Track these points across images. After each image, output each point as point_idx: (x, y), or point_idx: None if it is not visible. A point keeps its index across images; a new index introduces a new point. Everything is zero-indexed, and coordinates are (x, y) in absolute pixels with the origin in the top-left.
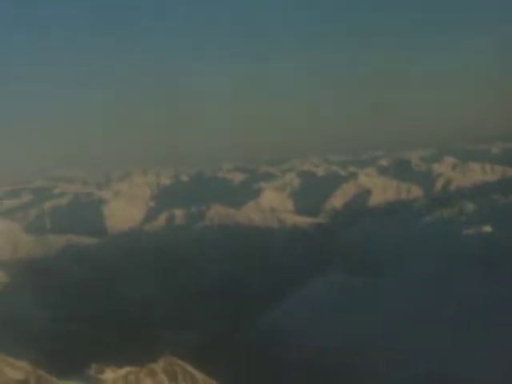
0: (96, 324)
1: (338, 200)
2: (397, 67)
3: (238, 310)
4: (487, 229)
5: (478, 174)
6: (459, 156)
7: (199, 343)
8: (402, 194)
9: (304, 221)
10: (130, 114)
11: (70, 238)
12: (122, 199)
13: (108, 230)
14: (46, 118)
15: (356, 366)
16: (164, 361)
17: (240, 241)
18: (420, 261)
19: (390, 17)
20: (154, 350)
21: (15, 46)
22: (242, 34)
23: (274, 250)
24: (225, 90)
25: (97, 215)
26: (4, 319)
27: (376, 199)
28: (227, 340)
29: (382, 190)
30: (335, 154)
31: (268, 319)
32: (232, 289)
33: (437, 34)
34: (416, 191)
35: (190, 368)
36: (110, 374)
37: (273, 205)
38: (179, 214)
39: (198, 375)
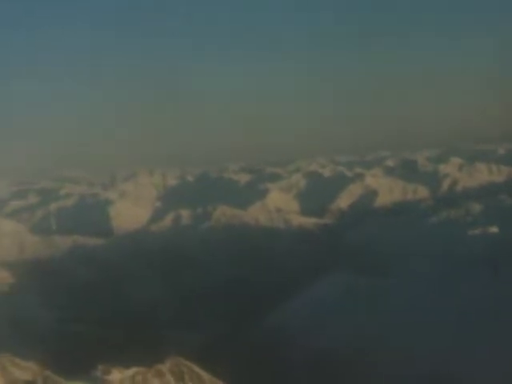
0: (102, 325)
1: (344, 201)
2: (400, 68)
3: (243, 311)
4: (493, 229)
5: (484, 174)
6: (465, 156)
7: (205, 343)
8: (409, 195)
9: (310, 221)
10: (136, 115)
11: (76, 238)
12: (128, 200)
13: (114, 230)
14: (50, 118)
15: (361, 367)
16: (171, 361)
17: (246, 241)
18: (426, 261)
19: (393, 17)
20: (159, 350)
21: (15, 46)
22: (243, 34)
23: (279, 250)
24: (230, 91)
25: (103, 216)
26: (10, 320)
27: (382, 200)
28: (233, 340)
29: (388, 190)
30: (341, 155)
31: (273, 319)
32: (238, 289)
33: (438, 34)
34: (422, 192)
35: (196, 368)
36: (116, 375)
37: (279, 205)
38: (185, 214)
39: (205, 375)
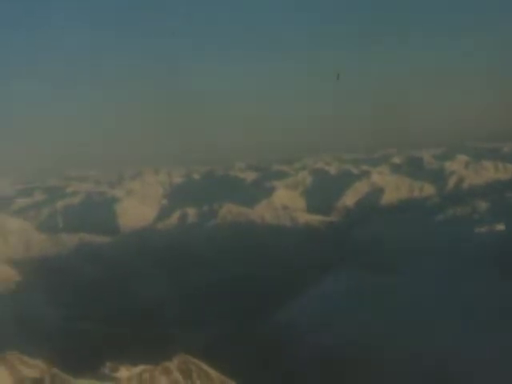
0: (108, 322)
1: (350, 198)
2: (406, 67)
3: (250, 308)
4: (500, 227)
5: (490, 172)
6: (471, 154)
7: (211, 341)
8: (415, 192)
9: (316, 219)
10: (141, 115)
11: (83, 236)
12: (135, 198)
13: (120, 228)
14: (54, 118)
15: (367, 364)
16: (178, 359)
17: (252, 239)
18: (432, 259)
19: (396, 17)
20: (166, 348)
21: (15, 46)
22: (246, 34)
23: (286, 247)
24: (235, 91)
25: (109, 214)
26: (17, 318)
27: (388, 197)
28: (239, 338)
29: (394, 188)
30: (347, 153)
31: (280, 317)
32: (244, 287)
33: (441, 33)
34: (428, 189)
35: (204, 366)
36: (124, 372)
37: (285, 203)
38: (192, 212)
39: (213, 373)
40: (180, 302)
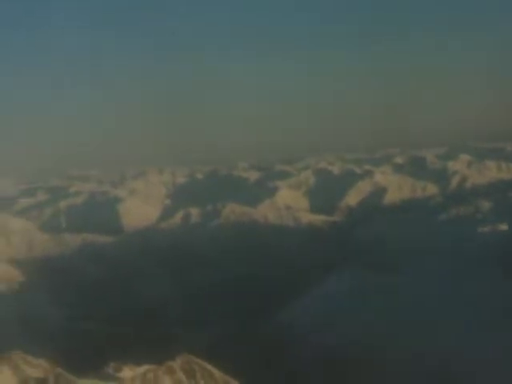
0: (111, 322)
1: (353, 198)
2: (407, 66)
3: (252, 308)
4: (503, 226)
5: (493, 171)
6: (474, 154)
7: (214, 341)
8: (418, 192)
9: (319, 219)
10: (143, 114)
11: (86, 236)
12: (138, 197)
13: (124, 228)
14: (57, 117)
15: (370, 364)
16: (182, 359)
17: (255, 239)
18: (435, 258)
19: (400, 15)
20: (169, 348)
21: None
22: (245, 33)
23: (289, 247)
24: (236, 90)
25: (112, 214)
26: (20, 318)
27: (391, 197)
28: (242, 338)
29: (397, 187)
30: (350, 152)
31: (284, 316)
32: (247, 287)
33: (441, 33)
34: (431, 189)
35: (207, 366)
36: (127, 372)
37: (288, 203)
38: (195, 212)
39: (216, 373)
40: (183, 301)
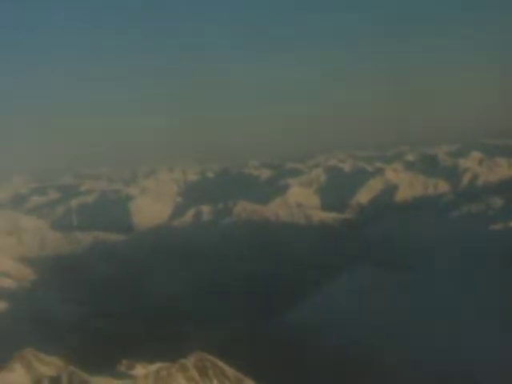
0: (123, 320)
1: (364, 195)
2: (417, 64)
3: (264, 306)
4: None
5: (504, 168)
6: (485, 151)
7: (225, 339)
8: (429, 190)
9: (330, 216)
10: (154, 113)
11: (97, 234)
12: (149, 196)
13: (135, 226)
14: (71, 116)
15: (381, 364)
16: (195, 356)
17: (266, 236)
18: (446, 256)
19: (409, 14)
20: (181, 346)
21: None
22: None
23: (300, 245)
24: (249, 89)
25: (124, 212)
26: (32, 315)
27: (402, 194)
28: (253, 336)
29: (408, 185)
30: (361, 150)
31: (294, 315)
32: (259, 284)
33: (452, 31)
34: (443, 186)
35: (220, 363)
36: (140, 370)
37: (299, 200)
38: (206, 210)
39: (229, 370)
40: (194, 299)
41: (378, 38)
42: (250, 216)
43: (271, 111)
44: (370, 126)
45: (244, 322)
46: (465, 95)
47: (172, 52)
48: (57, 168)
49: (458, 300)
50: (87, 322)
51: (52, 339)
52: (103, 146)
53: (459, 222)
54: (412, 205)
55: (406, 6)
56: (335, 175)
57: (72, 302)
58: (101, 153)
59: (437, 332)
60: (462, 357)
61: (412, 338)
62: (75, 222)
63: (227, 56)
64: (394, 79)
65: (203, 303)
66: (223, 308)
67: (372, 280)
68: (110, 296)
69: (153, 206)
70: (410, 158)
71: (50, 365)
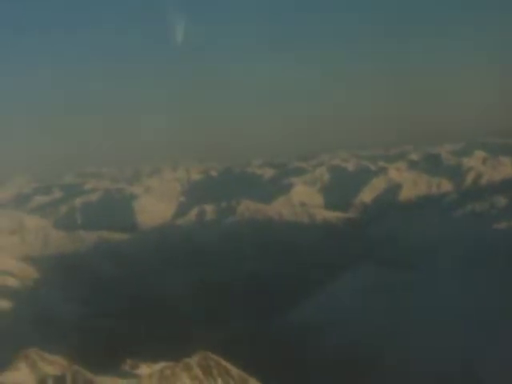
0: (126, 320)
1: (367, 195)
2: (419, 63)
3: (268, 305)
4: None
5: (508, 167)
6: (489, 150)
7: (228, 338)
8: (433, 189)
9: (334, 215)
10: (157, 112)
11: (101, 233)
12: (153, 195)
13: (139, 225)
14: (72, 116)
15: (384, 364)
16: (199, 355)
17: (270, 236)
18: (450, 255)
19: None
20: (184, 345)
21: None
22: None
23: (303, 244)
24: (252, 89)
25: (127, 211)
26: (35, 315)
27: (406, 194)
28: (256, 335)
29: (412, 184)
30: (364, 149)
31: (298, 314)
32: (262, 283)
33: (455, 30)
34: (446, 185)
35: (224, 363)
36: (145, 369)
37: (303, 200)
38: (210, 209)
39: (233, 370)
40: (197, 299)
41: (378, 38)
42: (253, 215)
43: (274, 111)
44: (373, 125)
45: (247, 321)
46: (468, 95)
47: (172, 52)
48: (60, 167)
49: (462, 299)
50: (90, 321)
51: (55, 338)
52: (106, 146)
53: (463, 221)
54: (415, 204)
55: (406, 6)
56: (339, 174)
57: (75, 301)
58: (104, 152)
59: (440, 331)
60: (466, 357)
61: (415, 337)
62: (79, 221)
63: (227, 56)
64: (396, 79)
65: (206, 302)
66: (226, 307)
67: (375, 279)
68: (113, 295)
69: (156, 205)
70: (414, 157)
71: (54, 364)
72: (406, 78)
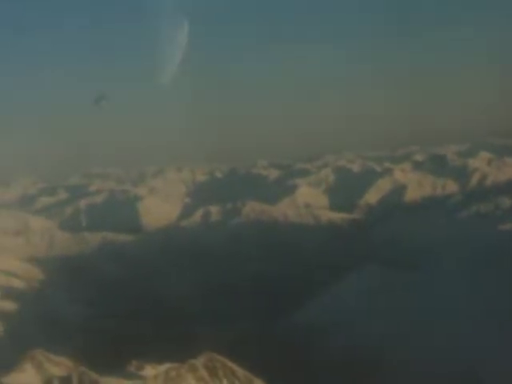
0: (131, 321)
1: (373, 196)
2: (422, 64)
3: (272, 307)
4: None
5: None
6: (494, 151)
7: (234, 340)
8: (438, 190)
9: (339, 217)
10: (161, 113)
11: (106, 235)
12: (158, 196)
13: (143, 227)
14: (79, 116)
15: (390, 365)
16: (204, 356)
17: (275, 237)
18: (455, 256)
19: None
20: (189, 346)
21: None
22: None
23: (308, 245)
24: (256, 89)
25: (132, 212)
26: (40, 316)
27: (411, 195)
28: (261, 337)
29: (417, 185)
30: (370, 150)
31: (303, 315)
32: (267, 285)
33: (457, 29)
34: (451, 186)
35: (230, 363)
36: (150, 371)
37: (308, 201)
38: (215, 210)
39: (239, 371)
40: (202, 300)
41: (378, 38)
42: (258, 216)
43: (279, 111)
44: (379, 126)
45: (252, 322)
46: (471, 95)
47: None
48: (65, 168)
49: (467, 300)
50: (95, 323)
51: (60, 339)
52: (110, 146)
53: (468, 222)
54: (421, 205)
55: (406, 6)
56: (344, 175)
57: (80, 303)
58: (109, 152)
59: (445, 333)
60: (470, 357)
61: (420, 338)
62: (84, 222)
63: (229, 56)
64: (400, 80)
65: (211, 304)
66: (231, 308)
67: (380, 280)
68: (118, 296)
69: (161, 207)
70: (419, 158)
71: (60, 365)
72: (408, 79)
